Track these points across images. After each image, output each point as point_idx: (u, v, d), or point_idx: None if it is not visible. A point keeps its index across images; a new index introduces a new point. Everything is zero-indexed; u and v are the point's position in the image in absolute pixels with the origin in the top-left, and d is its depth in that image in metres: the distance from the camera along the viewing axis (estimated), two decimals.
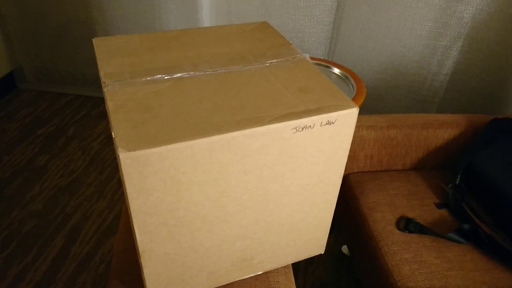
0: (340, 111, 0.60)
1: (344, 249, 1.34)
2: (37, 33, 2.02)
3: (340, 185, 0.71)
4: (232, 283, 0.76)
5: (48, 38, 2.03)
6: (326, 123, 0.60)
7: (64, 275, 1.24)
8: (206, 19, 1.65)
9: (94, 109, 2.04)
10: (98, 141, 1.82)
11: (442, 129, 1.08)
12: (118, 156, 0.49)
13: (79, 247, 1.33)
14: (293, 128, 0.58)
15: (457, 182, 1.02)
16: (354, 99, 1.17)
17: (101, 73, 0.65)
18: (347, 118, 0.61)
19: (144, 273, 0.64)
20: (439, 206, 0.98)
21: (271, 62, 0.71)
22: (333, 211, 0.75)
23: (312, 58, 1.38)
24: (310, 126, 0.59)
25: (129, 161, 0.50)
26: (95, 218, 1.44)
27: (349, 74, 1.26)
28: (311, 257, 1.31)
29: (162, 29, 1.74)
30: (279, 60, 0.72)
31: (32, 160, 1.70)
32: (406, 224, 0.92)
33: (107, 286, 0.77)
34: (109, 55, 0.71)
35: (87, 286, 1.22)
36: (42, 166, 1.67)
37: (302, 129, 0.59)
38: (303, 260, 1.27)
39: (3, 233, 1.37)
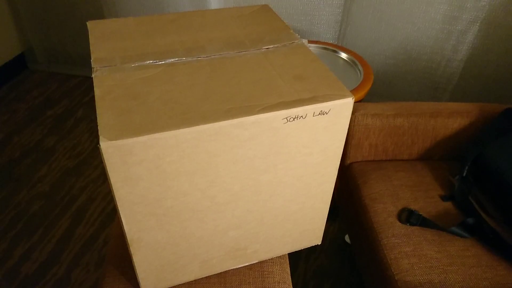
0: (334, 101, 0.57)
1: (348, 238, 1.32)
2: (45, 13, 2.01)
3: (335, 177, 0.69)
4: (225, 272, 0.75)
5: (56, 19, 2.02)
6: (320, 113, 0.57)
7: (68, 256, 1.26)
8: (214, 1, 1.61)
9: None
10: None
11: (452, 118, 1.04)
12: (99, 146, 0.48)
13: (83, 228, 1.35)
14: (284, 118, 0.55)
15: (465, 174, 0.98)
16: (360, 86, 1.13)
17: (92, 58, 0.64)
18: (342, 108, 0.58)
19: (134, 261, 0.64)
20: (444, 198, 0.95)
21: (268, 48, 0.68)
22: (329, 202, 0.73)
23: (319, 42, 1.33)
24: (302, 116, 0.56)
25: (111, 150, 0.49)
26: (100, 200, 1.45)
27: (357, 59, 1.22)
28: (313, 246, 1.30)
29: (170, 10, 1.71)
30: (276, 45, 0.69)
31: (41, 141, 1.72)
32: (408, 216, 0.90)
33: (104, 271, 0.77)
34: (102, 39, 0.69)
35: (90, 267, 1.23)
36: (51, 147, 1.69)
37: (294, 119, 0.56)
38: (306, 248, 1.26)
39: (10, 213, 1.40)
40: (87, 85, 2.09)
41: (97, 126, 1.80)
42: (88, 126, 1.81)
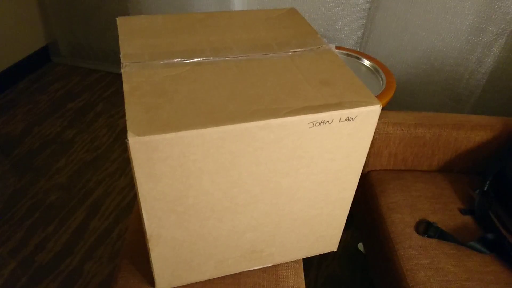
0: (361, 108, 0.57)
1: (360, 246, 1.31)
2: (71, 8, 2.05)
3: (357, 184, 0.68)
4: (240, 273, 0.75)
5: (82, 14, 2.06)
6: (346, 119, 0.57)
7: (82, 248, 1.28)
8: (238, 2, 1.62)
9: (123, 87, 2.07)
10: (124, 119, 1.84)
11: (475, 131, 1.02)
12: (127, 140, 0.49)
13: (98, 221, 1.36)
14: (310, 123, 0.55)
15: (486, 188, 0.97)
16: (382, 94, 1.12)
17: (121, 53, 0.65)
18: (369, 115, 0.58)
19: (151, 256, 0.64)
20: (463, 212, 0.94)
21: (295, 51, 0.68)
22: (348, 209, 0.73)
23: (342, 48, 1.33)
24: (328, 121, 0.56)
25: (138, 145, 0.49)
26: (115, 194, 1.46)
27: (379, 67, 1.21)
28: (326, 253, 1.29)
29: (194, 11, 1.72)
30: (303, 49, 0.69)
31: (61, 133, 1.75)
32: (426, 228, 0.89)
33: (118, 265, 0.78)
34: (131, 35, 0.70)
35: (103, 260, 1.25)
36: (70, 139, 1.71)
37: (320, 124, 0.56)
38: (318, 254, 1.25)
39: (28, 203, 1.42)
40: (108, 80, 2.12)
41: (115, 121, 1.83)
42: (107, 121, 1.83)
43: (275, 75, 0.62)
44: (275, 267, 0.77)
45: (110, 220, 1.37)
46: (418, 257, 0.83)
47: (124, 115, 1.87)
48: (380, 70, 1.20)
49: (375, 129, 1.01)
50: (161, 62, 0.63)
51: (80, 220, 1.37)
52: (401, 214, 0.93)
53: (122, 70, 0.60)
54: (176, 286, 0.71)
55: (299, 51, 0.68)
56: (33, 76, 2.12)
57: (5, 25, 1.93)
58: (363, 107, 0.56)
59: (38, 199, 1.44)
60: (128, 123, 0.50)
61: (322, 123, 0.56)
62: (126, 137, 0.49)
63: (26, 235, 1.31)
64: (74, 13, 2.06)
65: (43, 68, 2.19)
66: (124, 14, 1.98)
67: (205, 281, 0.73)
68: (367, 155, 1.05)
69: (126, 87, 0.57)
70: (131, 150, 0.49)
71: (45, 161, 1.60)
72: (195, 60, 0.64)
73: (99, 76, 2.14)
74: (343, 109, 0.56)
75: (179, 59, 0.64)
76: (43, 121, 1.81)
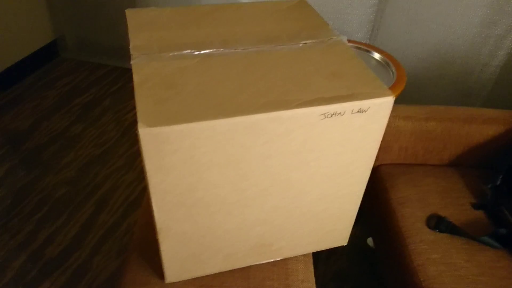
0: (374, 99, 0.56)
1: (370, 241, 1.30)
2: (79, 3, 2.05)
3: (368, 178, 0.67)
4: (249, 267, 0.75)
5: (89, 9, 2.06)
6: (358, 111, 0.56)
7: (90, 242, 1.28)
8: None
9: (130, 82, 2.07)
10: (132, 114, 1.84)
11: (486, 125, 1.01)
12: (138, 132, 0.48)
13: (106, 216, 1.37)
14: (322, 114, 0.54)
15: (498, 183, 0.95)
16: (393, 87, 1.11)
17: (130, 45, 0.64)
18: (381, 107, 0.57)
19: (161, 250, 0.64)
20: (475, 206, 0.92)
21: (305, 43, 0.67)
22: (359, 204, 0.72)
23: (352, 41, 1.31)
24: (340, 113, 0.55)
25: (149, 137, 0.49)
26: (123, 189, 1.47)
27: (390, 60, 1.20)
28: (334, 247, 1.28)
29: (202, 2, 1.71)
30: (313, 41, 0.68)
31: (69, 128, 1.75)
32: (437, 223, 0.88)
33: (127, 258, 0.78)
34: (140, 28, 0.69)
35: (112, 254, 1.25)
36: (77, 134, 1.72)
37: (332, 116, 0.55)
38: (326, 249, 1.24)
39: (37, 197, 1.43)
40: (115, 75, 2.12)
41: (123, 116, 1.83)
42: (114, 116, 1.83)
43: (285, 67, 0.61)
44: (285, 260, 0.77)
45: (118, 214, 1.38)
46: (429, 251, 0.82)
47: (131, 110, 1.87)
48: (390, 63, 1.18)
49: None
50: (170, 54, 0.62)
51: (89, 214, 1.37)
52: (411, 209, 0.91)
53: (132, 62, 0.60)
54: (185, 279, 0.71)
55: (309, 42, 0.67)
56: (40, 71, 2.13)
57: (13, 20, 1.93)
58: (375, 99, 0.55)
59: (46, 194, 1.44)
60: (138, 115, 0.50)
61: (333, 115, 0.55)
62: (135, 130, 0.48)
63: (35, 229, 1.32)
64: (82, 8, 2.06)
65: (50, 63, 2.19)
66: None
67: (214, 274, 0.73)
68: None
69: (136, 78, 0.56)
70: (141, 141, 0.49)
71: (53, 155, 1.61)
72: (204, 52, 0.64)
73: (107, 71, 2.15)
74: (356, 100, 0.55)
75: (188, 51, 0.63)
76: (51, 116, 1.82)
